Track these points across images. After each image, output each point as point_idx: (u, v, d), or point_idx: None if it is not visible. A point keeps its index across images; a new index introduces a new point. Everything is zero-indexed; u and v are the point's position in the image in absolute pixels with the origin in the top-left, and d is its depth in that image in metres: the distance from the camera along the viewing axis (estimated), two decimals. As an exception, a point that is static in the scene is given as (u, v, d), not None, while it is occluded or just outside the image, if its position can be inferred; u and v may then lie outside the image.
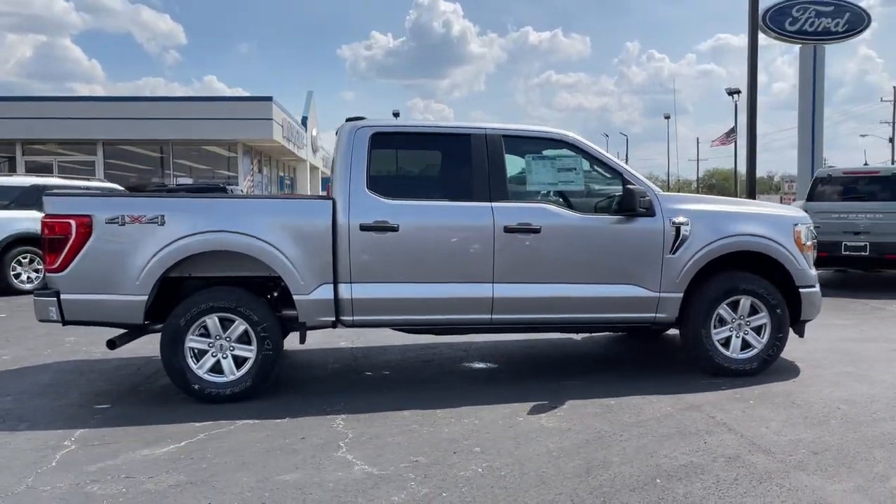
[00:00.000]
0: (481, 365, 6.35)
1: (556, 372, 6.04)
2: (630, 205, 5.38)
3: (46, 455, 4.13)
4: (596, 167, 5.71)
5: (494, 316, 5.44)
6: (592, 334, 7.46)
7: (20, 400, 5.27)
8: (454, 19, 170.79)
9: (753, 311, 5.73)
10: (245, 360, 5.18)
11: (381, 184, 5.40)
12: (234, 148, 29.79)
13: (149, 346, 6.82)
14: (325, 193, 5.20)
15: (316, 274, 5.21)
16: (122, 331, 5.40)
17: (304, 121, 38.56)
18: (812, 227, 6.08)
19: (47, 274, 5.11)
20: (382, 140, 5.44)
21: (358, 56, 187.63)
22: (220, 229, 5.11)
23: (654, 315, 5.61)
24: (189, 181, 24.82)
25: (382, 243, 5.26)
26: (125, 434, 4.50)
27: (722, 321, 5.70)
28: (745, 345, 5.75)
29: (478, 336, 7.20)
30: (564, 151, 5.70)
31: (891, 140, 59.34)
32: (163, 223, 5.05)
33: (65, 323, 5.10)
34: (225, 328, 5.16)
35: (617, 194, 5.62)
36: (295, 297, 5.20)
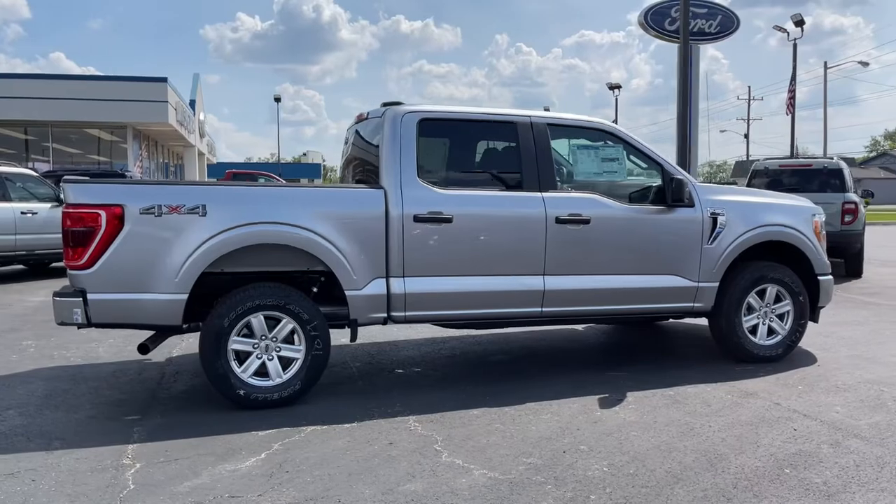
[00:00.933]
0: (506, 358, 6.21)
1: (588, 363, 6.00)
2: (679, 196, 5.40)
3: (114, 476, 3.64)
4: (636, 158, 5.69)
5: (545, 309, 5.32)
6: (591, 324, 7.50)
7: (29, 414, 4.64)
8: (324, 4, 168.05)
9: (778, 298, 5.91)
10: (291, 361, 4.80)
11: (432, 173, 5.14)
12: (121, 132, 27.94)
13: (127, 348, 6.28)
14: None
15: (369, 268, 4.90)
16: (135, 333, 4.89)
17: (192, 104, 36.72)
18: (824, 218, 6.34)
19: (70, 271, 4.52)
20: (430, 127, 5.17)
21: (223, 38, 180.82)
22: (268, 220, 4.70)
23: (692, 304, 5.67)
24: (49, 168, 22.93)
25: (436, 235, 5.01)
26: (187, 447, 4.04)
27: (750, 309, 5.85)
28: (770, 331, 5.92)
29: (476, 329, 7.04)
30: (608, 141, 5.65)
31: (746, 136, 63.66)
32: (204, 213, 4.58)
33: (90, 326, 4.53)
34: (270, 328, 4.76)
35: (652, 185, 5.63)
36: (347, 293, 4.87)
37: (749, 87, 66.33)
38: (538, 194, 5.24)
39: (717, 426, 4.37)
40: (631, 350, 6.65)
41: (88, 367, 5.86)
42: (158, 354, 6.22)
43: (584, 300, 5.40)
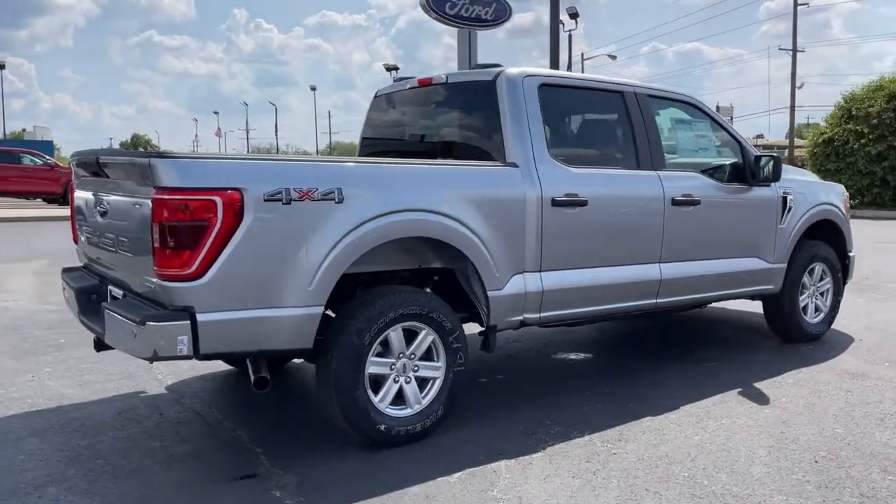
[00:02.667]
0: (571, 355, 5.63)
1: (653, 356, 5.63)
2: (777, 174, 5.16)
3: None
4: (718, 133, 5.37)
5: (659, 300, 4.84)
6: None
7: (83, 490, 3.25)
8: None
9: (821, 277, 5.97)
10: (428, 382, 3.86)
11: (559, 148, 4.39)
12: None
13: (84, 378, 4.86)
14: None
15: (508, 262, 4.08)
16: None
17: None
18: None
19: (165, 284, 3.19)
20: (548, 94, 4.40)
21: None
22: (411, 207, 3.71)
23: (768, 287, 5.51)
24: None
25: (573, 221, 4.31)
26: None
27: (803, 288, 5.83)
28: (816, 309, 5.97)
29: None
30: (698, 116, 5.26)
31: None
32: (341, 199, 3.47)
33: (199, 358, 3.25)
34: (408, 343, 3.78)
35: (725, 163, 5.32)
36: (490, 294, 4.01)
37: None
38: (654, 173, 4.73)
39: (873, 409, 4.21)
40: (668, 339, 6.36)
41: (76, 410, 4.33)
42: (144, 383, 4.82)
43: (691, 288, 5.01)
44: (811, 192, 5.75)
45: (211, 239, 3.16)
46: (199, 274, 3.16)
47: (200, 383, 4.87)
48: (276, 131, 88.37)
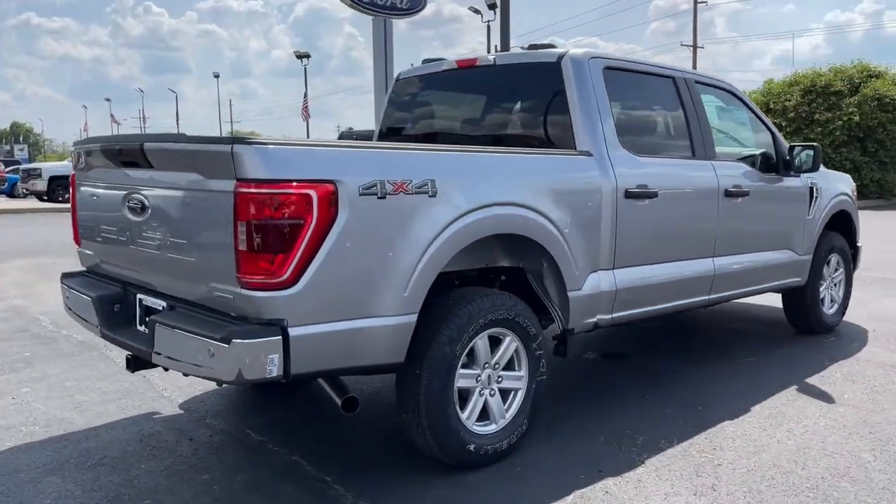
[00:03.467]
0: (602, 355, 5.36)
1: (686, 354, 5.44)
2: (817, 165, 5.04)
3: None
4: (752, 122, 5.21)
5: (712, 296, 4.63)
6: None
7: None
8: None
9: (836, 268, 5.94)
10: (509, 394, 3.50)
11: (625, 136, 4.08)
12: None
13: (75, 398, 4.29)
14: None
15: (587, 259, 3.75)
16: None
17: None
18: None
19: (250, 293, 2.69)
20: (612, 78, 4.08)
21: None
22: (502, 201, 3.33)
23: (796, 279, 5.41)
24: None
25: (644, 214, 4.02)
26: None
27: (821, 279, 5.78)
28: (831, 300, 5.94)
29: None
30: (734, 103, 5.07)
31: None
32: (434, 193, 3.06)
33: (288, 379, 2.77)
34: (492, 351, 3.40)
35: (756, 152, 5.17)
36: (570, 294, 3.67)
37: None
38: (709, 163, 4.51)
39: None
40: (688, 335, 6.19)
41: (87, 439, 3.72)
42: (150, 402, 4.26)
43: (739, 282, 4.84)
44: (831, 183, 5.69)
45: (306, 240, 2.68)
46: (292, 281, 2.68)
47: (215, 399, 4.33)
48: (177, 120, 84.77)
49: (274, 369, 2.68)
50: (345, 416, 3.03)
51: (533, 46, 4.19)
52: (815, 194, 5.40)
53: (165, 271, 3.15)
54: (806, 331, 5.77)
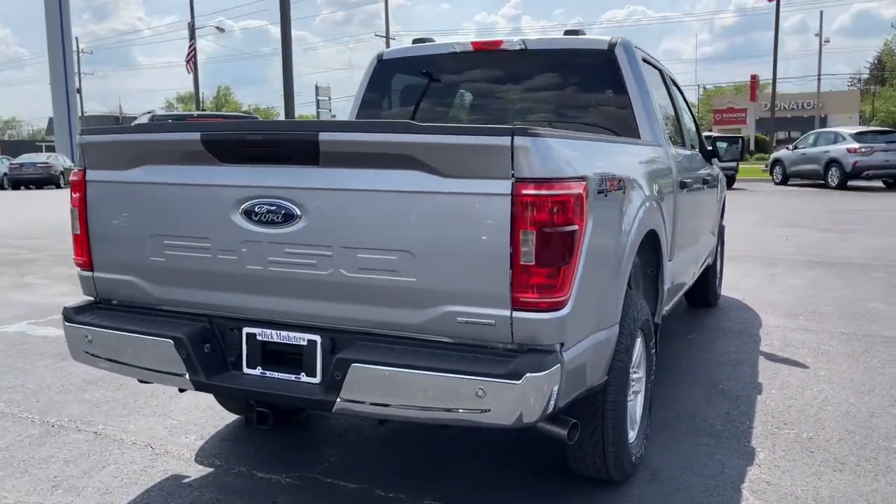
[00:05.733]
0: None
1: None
2: (742, 154, 5.52)
3: None
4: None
5: (694, 281, 4.88)
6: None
7: None
8: None
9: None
10: (636, 396, 3.35)
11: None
12: None
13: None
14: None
15: (669, 251, 3.72)
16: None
17: None
18: None
19: (527, 315, 2.21)
20: (645, 68, 4.08)
21: None
22: (648, 195, 3.15)
23: (712, 258, 5.90)
24: None
25: (687, 205, 4.11)
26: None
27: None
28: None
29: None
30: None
31: (79, 90, 60.49)
32: (622, 188, 2.80)
33: (549, 417, 2.33)
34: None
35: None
36: (665, 287, 3.62)
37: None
38: (696, 152, 4.74)
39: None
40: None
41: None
42: (158, 460, 3.38)
43: (698, 268, 5.15)
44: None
45: (583, 248, 2.29)
46: (568, 297, 2.27)
47: (236, 447, 3.53)
48: None
49: (551, 405, 2.25)
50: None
51: (569, 32, 4.01)
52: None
53: (326, 296, 2.46)
54: (705, 304, 6.30)
